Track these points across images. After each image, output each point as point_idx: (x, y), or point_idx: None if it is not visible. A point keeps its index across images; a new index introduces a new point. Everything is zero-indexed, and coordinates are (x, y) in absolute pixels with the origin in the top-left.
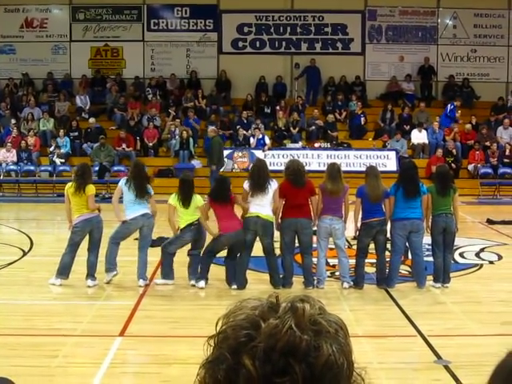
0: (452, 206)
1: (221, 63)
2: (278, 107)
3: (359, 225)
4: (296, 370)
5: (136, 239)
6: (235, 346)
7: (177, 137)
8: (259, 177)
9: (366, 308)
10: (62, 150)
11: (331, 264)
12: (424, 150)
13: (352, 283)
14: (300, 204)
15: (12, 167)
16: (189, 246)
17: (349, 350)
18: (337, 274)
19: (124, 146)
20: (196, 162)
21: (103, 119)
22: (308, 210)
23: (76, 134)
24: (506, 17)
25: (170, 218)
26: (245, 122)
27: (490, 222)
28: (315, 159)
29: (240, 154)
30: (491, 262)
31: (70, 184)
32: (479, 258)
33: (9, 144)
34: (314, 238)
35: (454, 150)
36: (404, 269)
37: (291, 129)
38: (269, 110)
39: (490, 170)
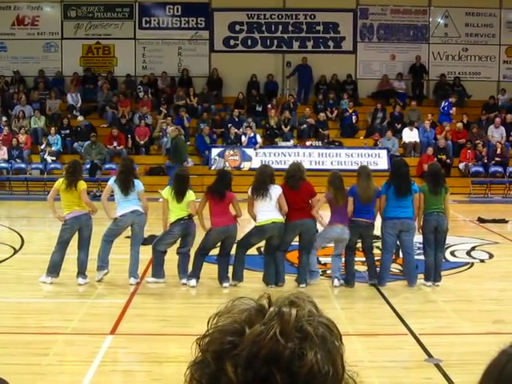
0: (443, 205)
1: (212, 61)
2: (269, 105)
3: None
4: (277, 379)
5: (128, 237)
6: (219, 351)
7: (168, 135)
8: (258, 182)
9: (357, 306)
10: (53, 148)
11: (322, 262)
12: (415, 148)
13: (342, 281)
14: (300, 207)
15: (3, 165)
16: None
17: (337, 355)
18: (328, 272)
19: (115, 143)
20: (187, 160)
21: (94, 117)
22: (310, 210)
23: (67, 131)
24: (497, 16)
25: (164, 211)
26: (236, 120)
27: (481, 220)
28: (306, 157)
29: (231, 152)
30: (482, 261)
31: (61, 180)
32: (470, 256)
33: None
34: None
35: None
36: (395, 267)
37: (283, 127)
38: (260, 109)
39: (481, 169)
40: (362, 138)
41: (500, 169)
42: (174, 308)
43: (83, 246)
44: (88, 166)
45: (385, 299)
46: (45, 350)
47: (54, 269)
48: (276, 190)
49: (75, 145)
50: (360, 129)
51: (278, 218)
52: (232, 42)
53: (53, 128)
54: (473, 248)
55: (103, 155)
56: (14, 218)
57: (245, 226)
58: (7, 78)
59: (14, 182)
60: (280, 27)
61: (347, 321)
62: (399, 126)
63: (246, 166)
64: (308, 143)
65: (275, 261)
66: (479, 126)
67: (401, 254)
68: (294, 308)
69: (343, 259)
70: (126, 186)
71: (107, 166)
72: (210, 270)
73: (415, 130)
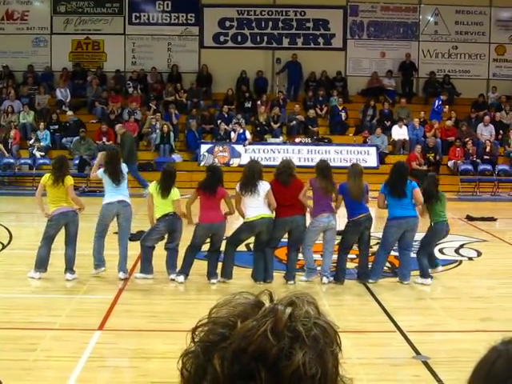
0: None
1: (202, 57)
2: (259, 102)
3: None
4: (262, 376)
5: (116, 233)
6: (208, 342)
7: (157, 131)
8: (247, 178)
9: (346, 303)
10: (42, 143)
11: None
12: (404, 145)
13: (331, 278)
14: (290, 203)
15: None
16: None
17: (329, 359)
18: (317, 268)
19: (104, 139)
20: (177, 156)
21: (84, 112)
22: (300, 206)
23: (56, 127)
24: (487, 14)
25: (149, 205)
26: (226, 116)
27: (469, 218)
28: (296, 154)
29: (221, 148)
30: (470, 259)
31: (47, 176)
32: (458, 254)
33: None
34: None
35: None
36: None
37: (272, 124)
38: (250, 105)
39: (469, 167)
40: (351, 135)
41: (489, 167)
42: (163, 304)
43: (70, 241)
44: (77, 162)
45: (373, 296)
46: (32, 345)
47: (42, 264)
48: (264, 186)
49: (64, 140)
50: (349, 126)
51: (267, 213)
52: (222, 38)
53: (42, 123)
54: (461, 246)
55: (92, 151)
56: (2, 213)
57: (233, 223)
58: None
59: (2, 176)
60: (270, 24)
61: (336, 318)
62: (389, 124)
63: (235, 162)
64: (297, 140)
65: (265, 257)
66: (468, 123)
67: (391, 252)
68: (291, 307)
69: (334, 256)
70: (116, 176)
71: (94, 161)
72: (198, 266)
73: (404, 128)
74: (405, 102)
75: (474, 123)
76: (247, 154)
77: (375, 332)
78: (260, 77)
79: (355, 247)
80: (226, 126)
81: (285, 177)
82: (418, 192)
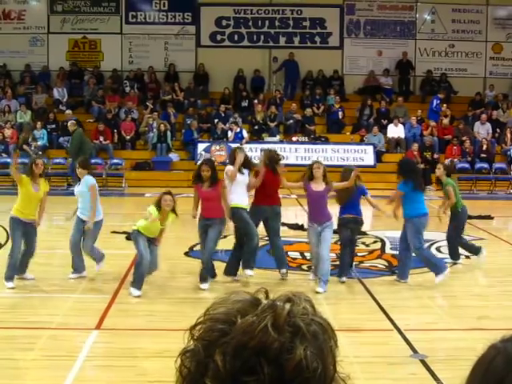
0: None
1: (199, 56)
2: (255, 101)
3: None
4: (264, 371)
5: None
6: (209, 339)
7: (154, 130)
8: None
9: (343, 301)
10: (39, 143)
11: (308, 258)
12: (400, 144)
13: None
14: (272, 192)
15: None
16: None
17: (328, 355)
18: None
19: (101, 138)
20: (174, 156)
21: (81, 112)
22: (278, 196)
23: (53, 126)
24: (483, 12)
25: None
26: (222, 115)
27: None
28: (293, 153)
29: (217, 147)
30: (467, 257)
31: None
32: None
33: None
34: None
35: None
36: (381, 263)
37: (269, 122)
38: (247, 104)
39: (466, 165)
40: (348, 133)
41: (486, 165)
42: (160, 303)
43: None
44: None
45: (370, 295)
46: (30, 344)
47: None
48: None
49: (61, 139)
50: (346, 124)
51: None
52: (219, 37)
53: (39, 123)
54: None
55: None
56: None
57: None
58: None
59: (0, 176)
60: (267, 22)
61: (332, 316)
62: (385, 122)
63: None
64: (294, 139)
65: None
66: (465, 122)
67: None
68: (289, 303)
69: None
70: None
71: (93, 160)
72: (192, 265)
73: (400, 126)
74: (402, 101)
75: (471, 121)
76: None
77: (372, 330)
78: (257, 76)
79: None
80: (223, 125)
81: (274, 164)
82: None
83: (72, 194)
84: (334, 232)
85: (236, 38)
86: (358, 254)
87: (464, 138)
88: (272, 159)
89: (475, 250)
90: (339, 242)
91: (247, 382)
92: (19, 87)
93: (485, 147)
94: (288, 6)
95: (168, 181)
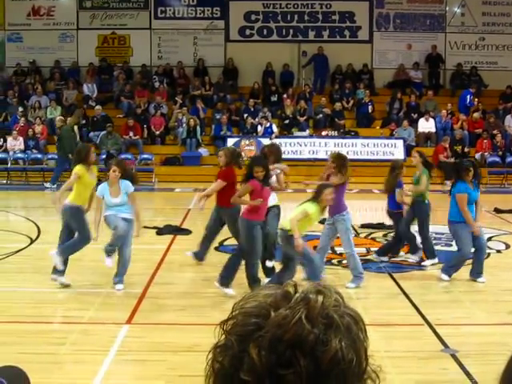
0: None
1: (228, 51)
2: (285, 95)
3: None
4: (301, 363)
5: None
6: (243, 333)
7: (184, 125)
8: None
9: (373, 296)
10: None
11: (338, 252)
12: (431, 138)
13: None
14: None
15: (19, 155)
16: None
17: (361, 346)
18: (344, 262)
19: (131, 134)
20: (203, 150)
21: (110, 107)
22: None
23: (83, 122)
24: None
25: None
26: (252, 110)
27: (497, 211)
28: (322, 147)
29: (247, 142)
30: (499, 251)
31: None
32: (487, 246)
33: (15, 132)
34: None
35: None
36: (410, 257)
37: (298, 117)
38: (276, 98)
39: (497, 159)
40: (378, 127)
41: None
42: (190, 298)
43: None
44: (103, 156)
45: (401, 289)
46: (61, 339)
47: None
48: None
49: (91, 135)
50: (376, 119)
51: None
52: (247, 32)
53: (69, 118)
54: (489, 238)
55: (119, 145)
56: (30, 208)
57: None
58: (24, 68)
59: (31, 172)
60: (296, 17)
61: (363, 310)
62: (415, 116)
63: None
64: (324, 133)
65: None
66: (496, 115)
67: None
68: (321, 295)
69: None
70: None
71: (123, 155)
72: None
73: (431, 120)
74: (432, 95)
75: (502, 115)
76: None
77: (403, 325)
78: (286, 70)
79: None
80: (252, 120)
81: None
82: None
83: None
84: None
85: (265, 32)
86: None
87: (495, 132)
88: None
89: (415, 250)
90: None
91: (284, 376)
92: (49, 83)
93: None
94: (317, 0)
95: (198, 175)
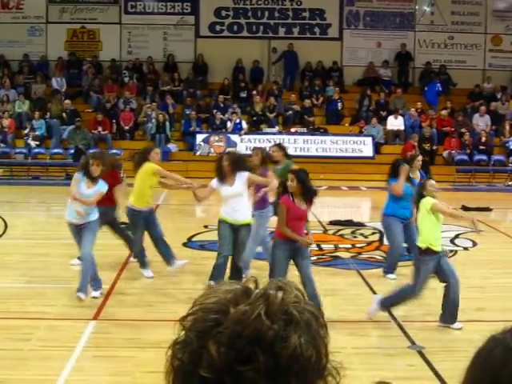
0: None
1: (198, 47)
2: (254, 92)
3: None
4: (260, 359)
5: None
6: (202, 329)
7: (153, 120)
8: None
9: (341, 293)
10: (37, 133)
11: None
12: (399, 136)
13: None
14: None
15: None
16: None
17: (321, 343)
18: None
19: (100, 128)
20: (172, 146)
21: (79, 102)
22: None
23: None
24: (483, 4)
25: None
26: (221, 106)
27: (464, 208)
28: (291, 144)
29: (216, 138)
30: (466, 249)
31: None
32: (454, 244)
33: None
34: None
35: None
36: (379, 254)
37: (268, 113)
38: (245, 95)
39: (465, 157)
40: (347, 125)
41: (484, 157)
42: (158, 293)
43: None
44: (72, 151)
45: (368, 286)
46: (27, 335)
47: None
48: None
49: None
50: (345, 116)
51: None
52: (218, 28)
53: (37, 112)
54: (456, 236)
55: (87, 140)
56: None
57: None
58: None
59: None
60: (266, 13)
61: (331, 307)
62: (384, 114)
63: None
64: (293, 130)
65: None
66: (464, 114)
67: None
68: (281, 292)
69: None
70: None
71: (91, 151)
72: (193, 255)
73: (400, 118)
74: (401, 92)
75: (470, 113)
76: (243, 143)
77: (371, 322)
78: (256, 66)
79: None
80: (221, 116)
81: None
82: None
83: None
84: None
85: (235, 28)
86: (357, 246)
87: (463, 130)
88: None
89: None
90: None
91: (243, 372)
92: (18, 77)
93: (483, 139)
94: None
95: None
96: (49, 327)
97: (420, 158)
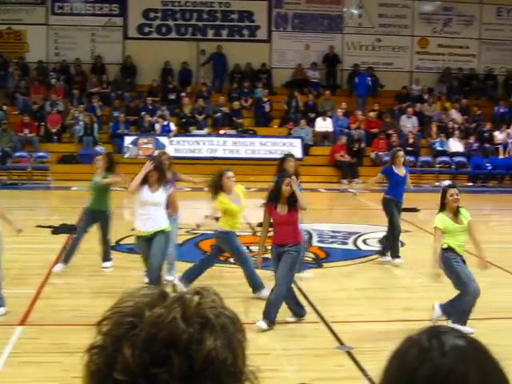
0: None
1: (126, 48)
2: (183, 94)
3: None
4: (175, 362)
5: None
6: (117, 333)
7: (81, 123)
8: None
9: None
10: None
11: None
12: (328, 137)
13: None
14: None
15: None
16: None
17: (238, 347)
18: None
19: (26, 131)
20: (100, 148)
21: (5, 104)
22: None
23: None
24: (410, 7)
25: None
26: (150, 108)
27: None
28: (221, 146)
29: (145, 140)
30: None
31: None
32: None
33: None
34: None
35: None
36: (307, 255)
37: (197, 115)
38: (174, 97)
39: None
40: (276, 126)
41: (412, 158)
42: (85, 298)
43: None
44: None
45: (297, 287)
46: None
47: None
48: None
49: None
50: (274, 118)
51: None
52: (146, 29)
53: None
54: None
55: (14, 143)
56: None
57: None
58: None
59: None
60: (195, 15)
61: (259, 309)
62: (313, 115)
63: None
64: (222, 132)
65: None
66: (392, 115)
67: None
68: (197, 296)
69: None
70: None
71: (18, 153)
72: (124, 258)
73: (328, 120)
74: (329, 94)
75: (398, 115)
76: (172, 145)
77: (299, 323)
78: (185, 68)
79: None
80: (150, 118)
81: None
82: None
83: None
84: None
85: (164, 30)
86: None
87: (390, 132)
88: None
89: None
90: None
91: (157, 374)
92: None
93: (411, 140)
94: None
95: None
96: None
97: (401, 153)
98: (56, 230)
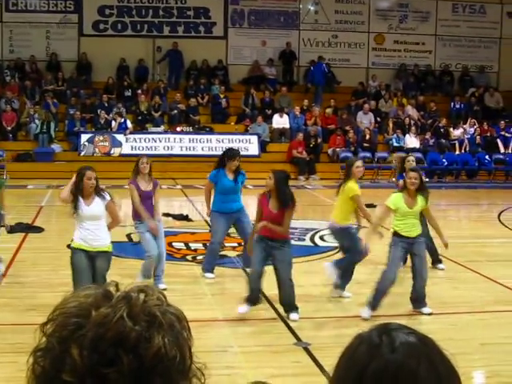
0: None
1: (81, 45)
2: (139, 91)
3: None
4: (124, 361)
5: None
6: (63, 334)
7: (36, 120)
8: None
9: (228, 292)
10: None
11: (193, 248)
12: (285, 134)
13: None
14: None
15: None
16: None
17: (185, 344)
18: (199, 258)
19: None
20: (56, 146)
21: None
22: None
23: None
24: (366, 3)
25: None
26: (106, 105)
27: None
28: (177, 143)
29: (101, 137)
30: None
31: None
32: None
33: None
34: None
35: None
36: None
37: (153, 112)
38: (130, 94)
39: (349, 154)
40: (232, 123)
41: (368, 154)
42: (42, 297)
43: None
44: None
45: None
46: None
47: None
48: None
49: None
50: (231, 114)
51: None
52: (102, 26)
53: None
54: None
55: None
56: None
57: None
58: None
59: None
60: (150, 12)
61: (218, 306)
62: (270, 112)
63: (116, 151)
64: (179, 129)
65: None
66: (348, 112)
67: None
68: (143, 294)
69: None
70: None
71: None
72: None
73: (285, 116)
74: (286, 91)
75: (354, 111)
76: (128, 143)
77: (256, 320)
78: (141, 65)
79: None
80: (106, 115)
81: None
82: None
83: None
84: None
85: (119, 27)
86: (242, 244)
87: (347, 128)
88: None
89: None
90: None
91: (107, 374)
92: None
93: (367, 137)
94: None
95: (50, 172)
96: None
97: (411, 158)
98: (12, 229)
